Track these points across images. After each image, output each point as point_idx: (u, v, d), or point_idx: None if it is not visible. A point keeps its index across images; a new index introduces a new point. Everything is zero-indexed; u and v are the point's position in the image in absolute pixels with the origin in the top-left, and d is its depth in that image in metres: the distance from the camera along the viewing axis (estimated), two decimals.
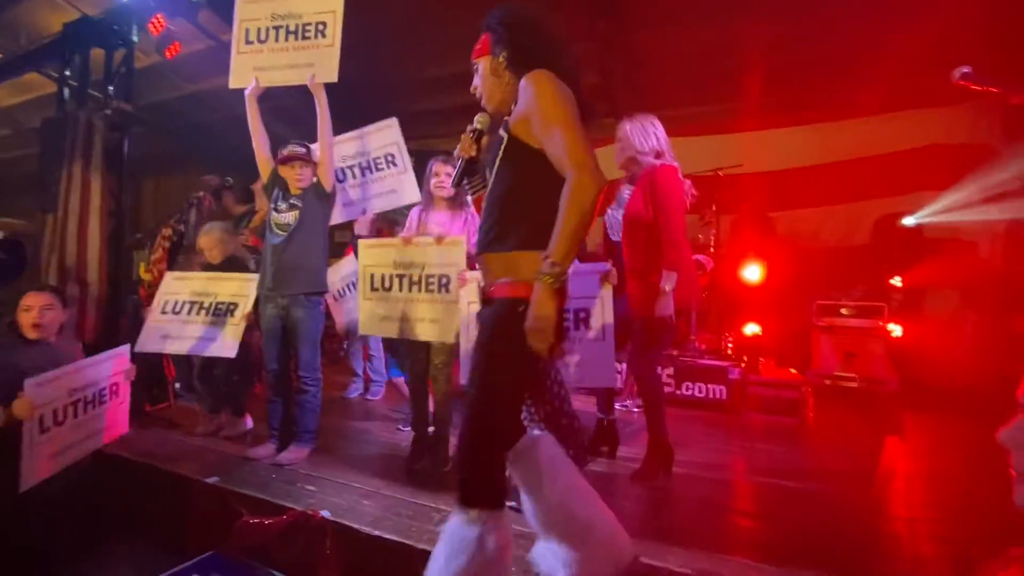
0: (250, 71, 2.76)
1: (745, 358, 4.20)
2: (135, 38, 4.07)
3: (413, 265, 2.56)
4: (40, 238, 4.07)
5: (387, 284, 2.64)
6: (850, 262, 4.80)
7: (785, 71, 4.76)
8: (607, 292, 2.14)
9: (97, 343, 3.77)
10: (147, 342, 3.01)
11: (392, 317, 2.63)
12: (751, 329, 4.34)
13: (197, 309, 2.97)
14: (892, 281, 4.47)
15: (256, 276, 2.85)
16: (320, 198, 2.73)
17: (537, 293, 1.20)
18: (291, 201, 2.71)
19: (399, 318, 2.60)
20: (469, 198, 3.22)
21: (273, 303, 2.69)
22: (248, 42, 2.81)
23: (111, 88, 4.06)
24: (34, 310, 2.36)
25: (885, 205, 4.81)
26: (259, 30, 2.79)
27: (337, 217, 3.09)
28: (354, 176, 3.13)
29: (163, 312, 3.03)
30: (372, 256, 2.70)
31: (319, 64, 2.68)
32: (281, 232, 2.67)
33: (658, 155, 2.43)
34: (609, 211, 2.65)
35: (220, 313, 2.93)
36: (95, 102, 4.21)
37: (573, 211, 1.21)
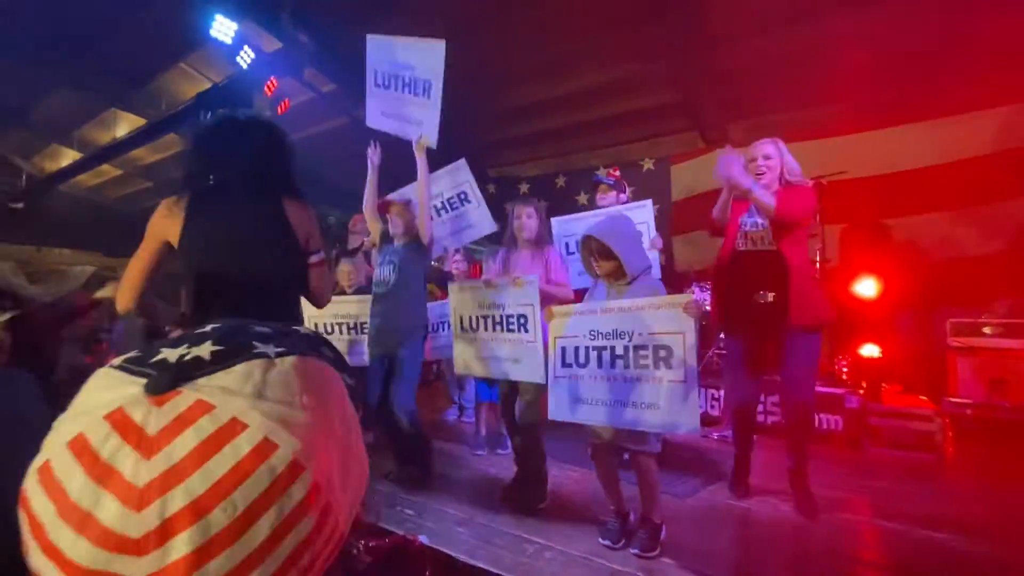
0: (379, 114, 2.92)
1: (864, 384, 3.76)
2: (253, 100, 4.61)
3: (495, 305, 2.60)
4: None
5: (474, 325, 2.72)
6: (988, 273, 4.16)
7: (890, 65, 4.33)
8: (690, 325, 1.91)
9: None
10: None
11: (480, 356, 2.70)
12: (869, 351, 3.87)
13: (345, 328, 3.48)
14: None
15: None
16: (417, 251, 2.88)
17: None
18: (390, 257, 2.88)
19: (486, 357, 2.67)
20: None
21: (379, 346, 2.88)
22: (376, 84, 2.94)
23: None
24: None
25: None
26: (384, 75, 2.91)
27: None
28: (432, 218, 3.31)
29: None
30: (460, 298, 2.79)
31: (426, 124, 2.77)
32: (380, 289, 2.88)
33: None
34: (747, 219, 2.52)
35: (357, 330, 3.45)
36: None
37: None
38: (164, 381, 0.34)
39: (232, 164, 1.57)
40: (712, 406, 4.00)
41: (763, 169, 2.44)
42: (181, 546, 0.30)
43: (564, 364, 2.26)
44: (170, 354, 0.36)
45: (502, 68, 5.68)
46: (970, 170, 4.31)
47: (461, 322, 2.78)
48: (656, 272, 2.79)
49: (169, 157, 8.78)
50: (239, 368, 0.35)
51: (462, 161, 3.20)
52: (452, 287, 2.88)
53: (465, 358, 2.79)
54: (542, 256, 2.70)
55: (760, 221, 2.46)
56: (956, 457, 3.26)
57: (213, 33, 4.12)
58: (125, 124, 7.80)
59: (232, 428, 0.33)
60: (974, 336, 3.64)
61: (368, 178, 2.97)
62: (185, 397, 0.33)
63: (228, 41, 4.18)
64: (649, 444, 2.09)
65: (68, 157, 9.21)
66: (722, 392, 3.89)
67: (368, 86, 2.96)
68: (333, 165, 6.75)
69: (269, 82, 4.56)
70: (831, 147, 4.69)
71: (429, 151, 2.83)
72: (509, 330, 2.53)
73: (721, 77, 5.10)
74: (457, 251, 4.11)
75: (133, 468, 0.31)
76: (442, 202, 3.27)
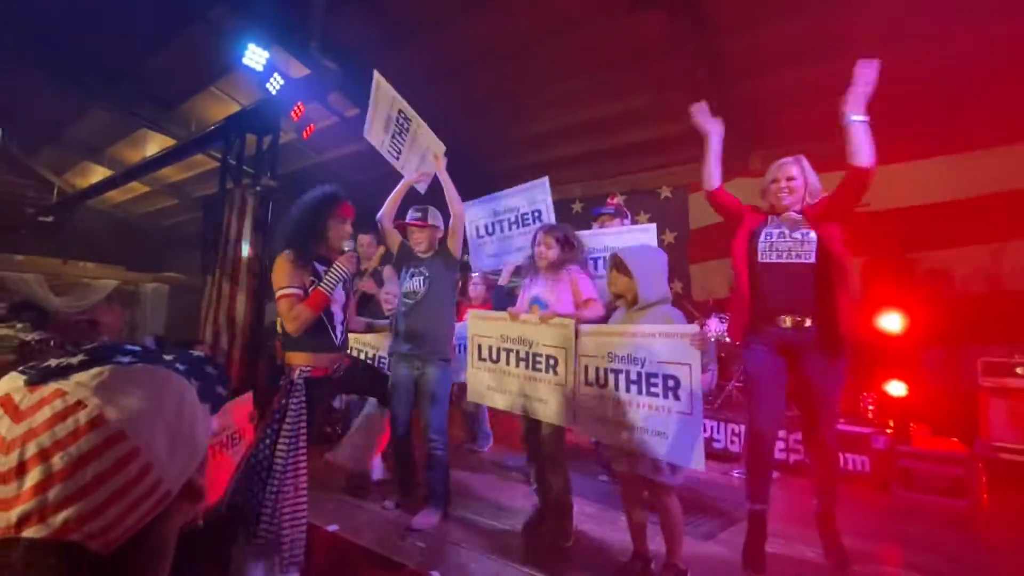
0: (413, 168, 2.98)
1: (891, 423, 3.63)
2: (280, 124, 4.72)
3: (522, 341, 2.54)
4: (201, 295, 4.74)
5: (495, 356, 2.67)
6: (1021, 310, 4.05)
7: (918, 98, 4.31)
8: (696, 357, 1.91)
9: (241, 386, 4.26)
10: None
11: (501, 389, 2.65)
12: (896, 388, 3.75)
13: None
14: None
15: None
16: (448, 265, 2.75)
17: None
18: (420, 268, 2.76)
19: (509, 391, 2.62)
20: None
21: (407, 363, 2.72)
22: (396, 158, 3.02)
23: (260, 167, 4.72)
24: None
25: None
26: (392, 147, 3.01)
27: (483, 265, 3.35)
28: (503, 230, 3.25)
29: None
30: (481, 327, 2.75)
31: (431, 143, 2.84)
32: (409, 300, 2.73)
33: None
34: (773, 231, 2.28)
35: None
36: (248, 177, 4.91)
37: None
38: (36, 376, 0.50)
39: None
40: (732, 441, 3.89)
41: (785, 191, 2.28)
42: (31, 479, 0.45)
43: (587, 383, 2.28)
44: (53, 362, 0.52)
45: (521, 97, 5.77)
46: (1003, 204, 4.22)
47: (479, 351, 2.75)
48: None
49: (195, 176, 9.03)
50: (93, 370, 0.51)
51: (545, 179, 3.15)
52: (472, 314, 2.85)
53: (480, 388, 2.75)
54: (564, 279, 2.59)
55: (788, 231, 2.25)
56: (992, 504, 3.11)
57: (245, 61, 4.26)
58: (155, 144, 8.05)
59: (76, 407, 0.48)
60: (1007, 376, 3.51)
61: (396, 189, 2.90)
62: (49, 387, 0.49)
63: (259, 68, 4.31)
64: (664, 475, 2.04)
65: (98, 174, 9.51)
66: (743, 427, 3.79)
67: (395, 166, 3.04)
68: (355, 188, 6.89)
69: (296, 107, 4.68)
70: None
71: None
72: (536, 368, 2.47)
73: (740, 108, 5.12)
74: (475, 274, 4.09)
75: (7, 429, 0.47)
76: (517, 216, 3.20)
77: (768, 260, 2.26)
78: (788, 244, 2.23)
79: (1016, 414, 3.40)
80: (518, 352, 2.57)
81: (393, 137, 2.99)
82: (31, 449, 0.46)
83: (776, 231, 2.29)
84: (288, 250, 2.19)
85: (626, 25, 4.68)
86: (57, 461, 0.46)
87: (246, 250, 4.50)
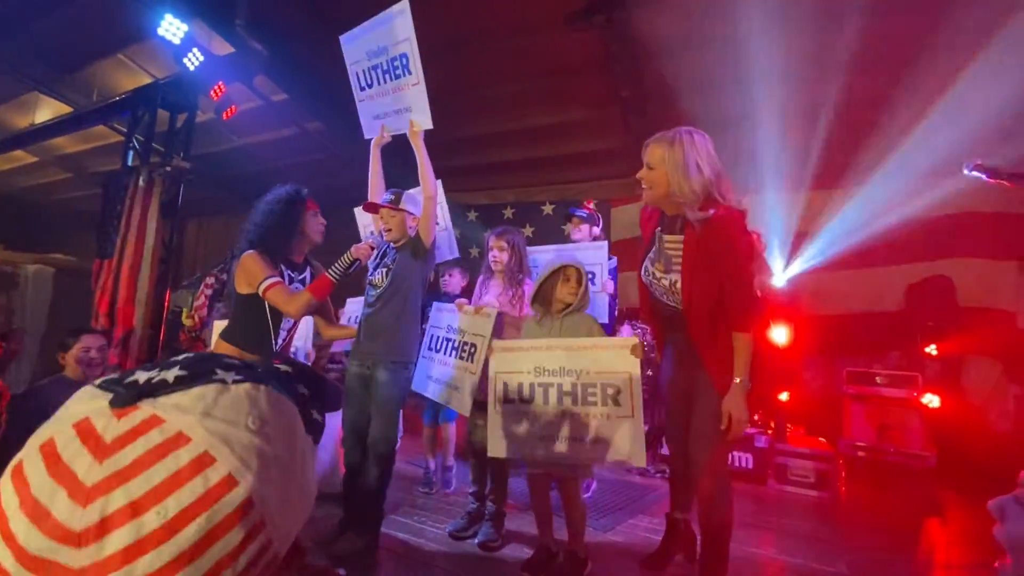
0: (373, 120, 2.70)
1: (772, 424, 4.08)
2: (198, 103, 4.42)
3: (458, 331, 2.63)
4: (95, 280, 4.33)
5: (438, 346, 2.75)
6: (881, 328, 4.69)
7: (807, 137, 4.86)
8: (636, 364, 2.02)
9: None
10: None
11: (432, 377, 2.72)
12: (778, 394, 4.22)
13: None
14: (927, 349, 4.33)
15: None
16: (416, 254, 2.50)
17: None
18: (385, 259, 2.56)
19: (436, 379, 2.69)
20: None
21: (359, 361, 2.52)
22: (362, 88, 2.70)
23: (171, 146, 4.39)
24: (92, 351, 2.51)
25: (918, 271, 4.74)
26: (364, 73, 2.67)
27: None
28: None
29: None
30: (435, 318, 2.85)
31: (415, 107, 2.52)
32: (373, 292, 2.55)
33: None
34: (649, 265, 2.09)
35: None
36: (158, 156, 4.56)
37: None
38: (126, 397, 0.38)
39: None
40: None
41: (645, 188, 1.94)
42: (115, 542, 0.33)
43: (507, 400, 2.23)
44: (142, 376, 0.40)
45: (457, 98, 5.81)
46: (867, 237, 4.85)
47: (430, 341, 2.81)
48: (603, 314, 2.98)
49: (93, 149, 8.19)
50: (195, 390, 0.39)
51: (437, 182, 2.93)
52: (435, 306, 2.91)
53: (422, 377, 2.78)
54: (515, 291, 2.66)
55: (657, 273, 2.01)
56: (848, 495, 3.58)
57: (161, 32, 3.95)
58: (47, 110, 7.21)
59: (176, 440, 0.36)
60: (866, 385, 4.06)
61: (371, 163, 2.70)
62: (142, 412, 0.37)
63: (176, 41, 4.02)
64: (578, 470, 2.19)
65: None
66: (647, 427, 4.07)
67: (355, 95, 2.73)
68: (276, 174, 6.57)
69: (217, 86, 4.41)
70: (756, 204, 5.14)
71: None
72: (461, 357, 2.54)
73: (656, 128, 5.49)
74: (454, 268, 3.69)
75: (86, 469, 0.34)
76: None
77: (655, 297, 2.07)
78: (664, 285, 1.99)
79: (871, 417, 3.94)
80: (454, 341, 2.63)
81: (374, 69, 2.60)
82: (118, 499, 0.33)
83: (652, 265, 2.02)
84: (255, 249, 2.18)
85: (563, 40, 4.87)
86: (152, 518, 0.33)
87: (152, 235, 4.18)
